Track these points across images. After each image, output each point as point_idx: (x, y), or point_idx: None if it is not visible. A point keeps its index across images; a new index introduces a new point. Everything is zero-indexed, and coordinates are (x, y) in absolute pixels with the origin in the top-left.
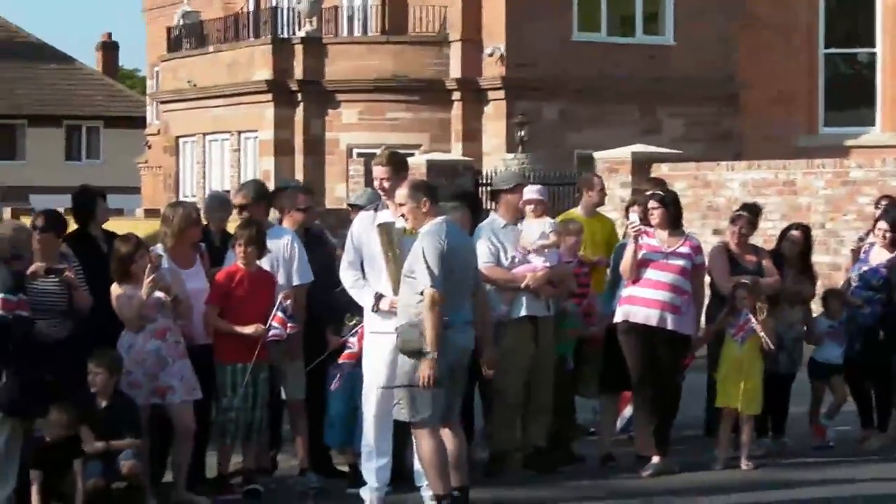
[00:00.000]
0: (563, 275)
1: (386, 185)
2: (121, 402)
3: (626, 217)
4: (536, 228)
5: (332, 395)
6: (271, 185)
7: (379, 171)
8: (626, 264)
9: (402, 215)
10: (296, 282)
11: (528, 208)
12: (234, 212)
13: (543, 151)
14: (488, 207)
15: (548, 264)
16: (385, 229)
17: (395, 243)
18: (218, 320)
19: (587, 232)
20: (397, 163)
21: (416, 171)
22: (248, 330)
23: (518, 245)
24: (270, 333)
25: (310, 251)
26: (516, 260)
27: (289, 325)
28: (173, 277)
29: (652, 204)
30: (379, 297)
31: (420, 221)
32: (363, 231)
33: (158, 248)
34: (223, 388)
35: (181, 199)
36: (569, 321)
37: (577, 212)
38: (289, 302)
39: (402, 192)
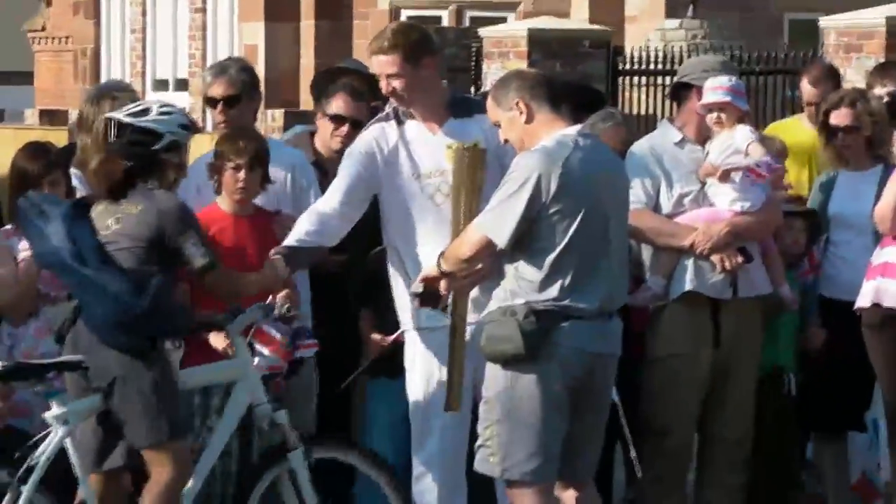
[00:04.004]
0: (767, 227)
1: (396, 85)
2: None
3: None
4: (724, 145)
5: (369, 434)
6: (260, 72)
7: (382, 63)
8: (883, 207)
9: (496, 124)
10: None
11: (710, 117)
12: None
13: (731, 16)
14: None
15: (742, 207)
16: (468, 153)
17: (477, 178)
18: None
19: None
20: (413, 45)
21: (511, 48)
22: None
23: (699, 175)
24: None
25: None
26: (686, 200)
27: (300, 345)
28: None
29: None
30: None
31: (527, 138)
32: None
33: (74, 174)
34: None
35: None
36: (788, 315)
37: (800, 121)
38: (287, 307)
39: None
